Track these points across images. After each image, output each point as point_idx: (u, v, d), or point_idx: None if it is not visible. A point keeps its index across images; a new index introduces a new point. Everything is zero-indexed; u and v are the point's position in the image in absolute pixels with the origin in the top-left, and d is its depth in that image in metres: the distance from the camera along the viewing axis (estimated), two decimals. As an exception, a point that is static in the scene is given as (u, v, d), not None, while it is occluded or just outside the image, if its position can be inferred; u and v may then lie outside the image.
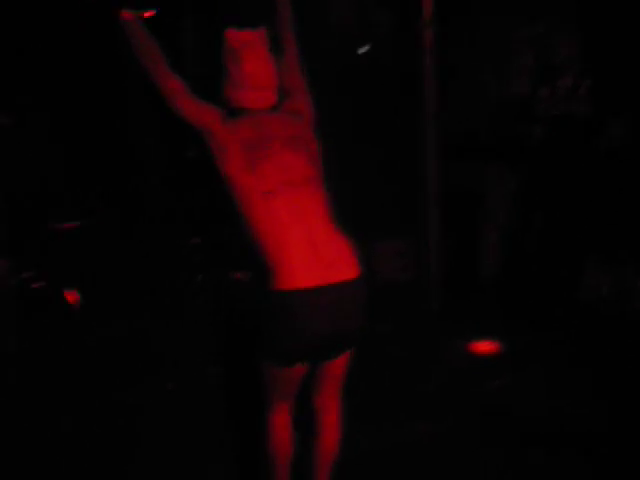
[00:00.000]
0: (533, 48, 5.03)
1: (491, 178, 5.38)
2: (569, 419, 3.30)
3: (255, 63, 2.28)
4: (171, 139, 4.05)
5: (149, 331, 3.08)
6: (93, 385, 3.16)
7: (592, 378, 3.71)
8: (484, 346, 4.24)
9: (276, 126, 2.29)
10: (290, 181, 2.21)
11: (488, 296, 5.02)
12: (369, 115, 3.93)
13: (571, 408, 3.39)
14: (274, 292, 2.12)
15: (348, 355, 2.34)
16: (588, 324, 4.44)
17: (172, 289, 3.10)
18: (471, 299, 4.91)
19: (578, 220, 4.35)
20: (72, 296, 3.09)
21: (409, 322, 3.57)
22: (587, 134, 4.19)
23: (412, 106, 3.46)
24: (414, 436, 3.22)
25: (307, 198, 2.22)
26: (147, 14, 2.68)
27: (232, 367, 3.42)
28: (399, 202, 3.78)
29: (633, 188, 4.60)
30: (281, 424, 2.40)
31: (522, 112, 4.52)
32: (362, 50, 4.52)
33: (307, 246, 2.14)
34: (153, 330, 3.11)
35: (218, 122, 2.23)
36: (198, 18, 4.74)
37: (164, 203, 3.43)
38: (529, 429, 3.23)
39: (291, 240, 2.14)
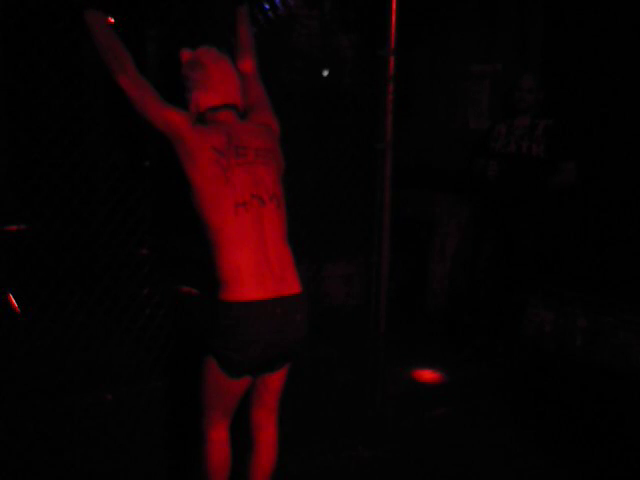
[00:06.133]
0: (492, 85, 5.15)
1: (443, 209, 5.47)
2: (504, 452, 3.34)
3: (223, 75, 2.30)
4: (127, 147, 3.99)
5: (91, 342, 3.00)
6: (30, 394, 3.06)
7: (528, 411, 3.77)
8: (427, 375, 4.28)
9: (248, 135, 2.29)
10: (259, 196, 2.22)
11: (434, 325, 5.07)
12: (327, 138, 3.95)
13: (509, 442, 3.44)
14: (228, 303, 2.15)
15: (287, 369, 2.41)
16: (529, 360, 4.52)
17: (118, 301, 3.02)
18: (418, 327, 4.96)
19: (525, 256, 4.43)
20: (13, 302, 2.99)
21: (355, 347, 3.57)
22: (539, 173, 4.28)
23: (370, 132, 3.48)
24: (351, 461, 3.23)
25: (270, 216, 2.25)
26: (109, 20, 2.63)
27: (174, 382, 3.36)
28: (352, 227, 3.79)
29: (579, 229, 4.72)
30: (219, 440, 2.39)
31: (479, 147, 4.61)
32: (325, 74, 4.55)
33: (262, 261, 2.19)
34: (94, 341, 3.03)
35: (188, 127, 2.18)
36: (162, 29, 4.71)
37: (113, 212, 3.35)
38: (465, 459, 3.26)
39: (249, 254, 2.17)
